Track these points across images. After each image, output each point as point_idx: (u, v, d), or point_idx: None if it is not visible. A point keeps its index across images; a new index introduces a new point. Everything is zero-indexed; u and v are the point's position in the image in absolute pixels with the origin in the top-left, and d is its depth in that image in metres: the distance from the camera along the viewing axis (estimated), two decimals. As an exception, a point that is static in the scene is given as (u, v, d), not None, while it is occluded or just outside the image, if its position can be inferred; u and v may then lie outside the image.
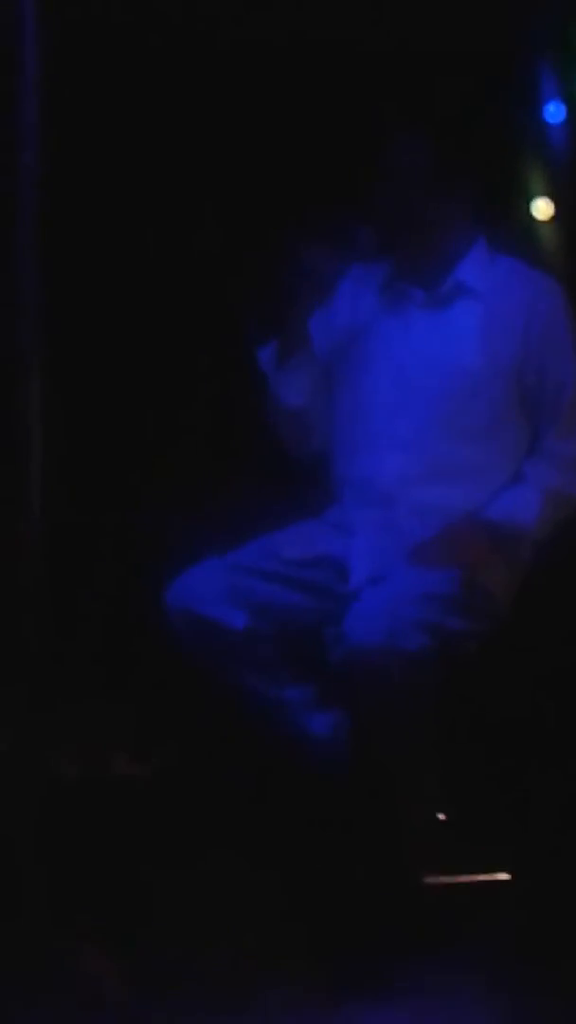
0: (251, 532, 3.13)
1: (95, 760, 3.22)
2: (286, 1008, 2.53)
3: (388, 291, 3.14)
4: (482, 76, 3.57)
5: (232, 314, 3.51)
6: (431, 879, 2.90)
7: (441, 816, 2.93)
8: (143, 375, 3.62)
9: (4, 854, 2.63)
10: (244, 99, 3.62)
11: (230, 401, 3.39)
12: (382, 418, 3.06)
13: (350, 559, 3.03)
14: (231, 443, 3.55)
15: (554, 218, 3.68)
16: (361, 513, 3.08)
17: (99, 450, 3.58)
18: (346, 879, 2.86)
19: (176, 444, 3.61)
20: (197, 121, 3.63)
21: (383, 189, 3.07)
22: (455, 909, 2.86)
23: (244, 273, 3.53)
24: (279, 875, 2.85)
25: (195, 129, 3.64)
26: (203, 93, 3.63)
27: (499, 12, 3.55)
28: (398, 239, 3.08)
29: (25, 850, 2.65)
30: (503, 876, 2.93)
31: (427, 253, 3.09)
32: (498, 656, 2.99)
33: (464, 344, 3.05)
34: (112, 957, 2.64)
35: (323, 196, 3.52)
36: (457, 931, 2.75)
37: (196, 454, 3.61)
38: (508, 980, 2.60)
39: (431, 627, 2.84)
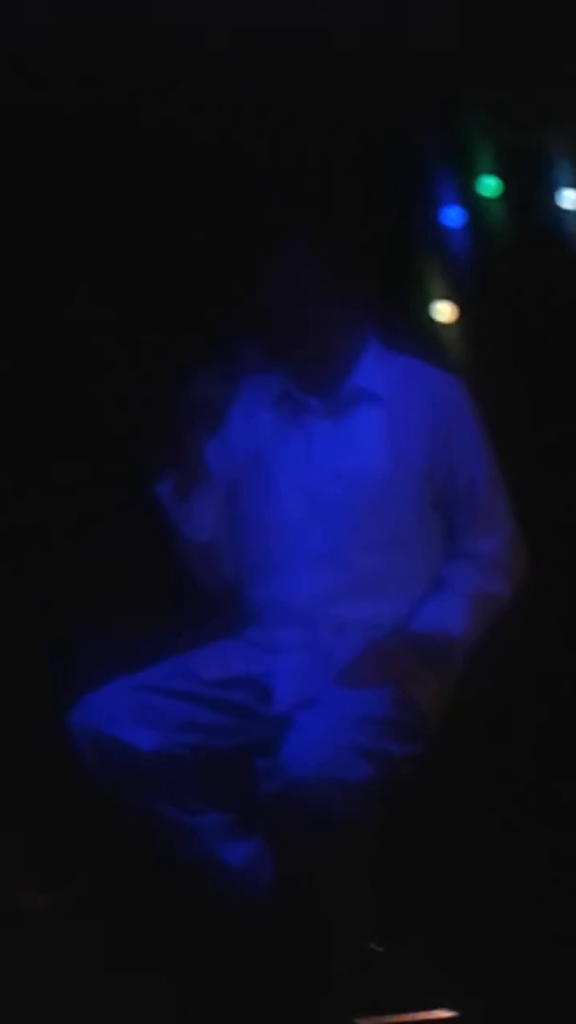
0: (163, 653, 2.97)
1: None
2: None
3: (284, 403, 3.03)
4: (366, 177, 3.51)
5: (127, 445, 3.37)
6: (363, 1020, 2.73)
7: (376, 948, 2.75)
8: (50, 498, 3.49)
9: None
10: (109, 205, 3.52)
11: (139, 521, 3.22)
12: (293, 535, 2.94)
13: (273, 680, 2.89)
14: (142, 562, 3.37)
15: (449, 315, 3.64)
16: (281, 632, 2.94)
17: (6, 565, 3.41)
18: (270, 1021, 2.69)
19: (87, 562, 3.45)
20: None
21: (266, 298, 2.96)
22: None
23: (129, 405, 3.42)
24: (193, 1015, 2.71)
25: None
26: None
27: (391, 114, 3.51)
28: (288, 349, 2.98)
29: None
30: (442, 1014, 2.75)
31: (320, 360, 2.99)
32: (434, 778, 2.84)
33: (369, 451, 2.95)
34: None
35: (200, 312, 3.43)
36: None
37: (107, 573, 3.44)
38: None
39: (370, 753, 2.69)
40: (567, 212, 3.62)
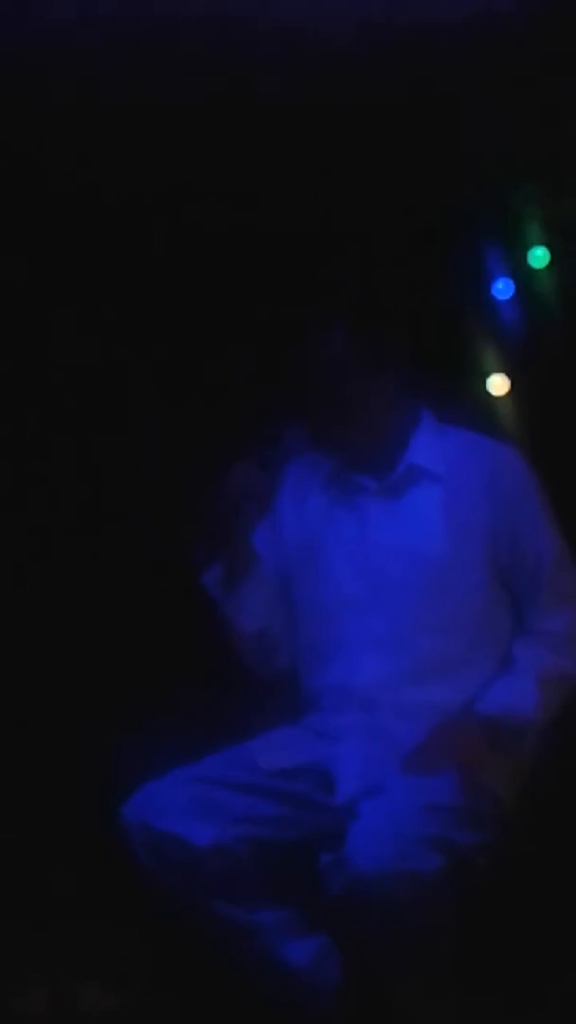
0: (219, 742, 2.87)
1: (61, 994, 2.90)
2: None
3: (337, 484, 2.94)
4: (401, 255, 3.45)
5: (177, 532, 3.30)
6: None
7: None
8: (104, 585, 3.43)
9: None
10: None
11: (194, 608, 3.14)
12: (351, 618, 2.84)
13: (335, 768, 2.76)
14: (197, 649, 3.29)
15: (502, 388, 3.56)
16: (342, 718, 2.82)
17: (57, 652, 3.35)
18: None
19: (141, 650, 3.36)
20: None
21: (307, 379, 2.86)
22: None
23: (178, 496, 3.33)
24: None
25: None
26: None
27: (428, 190, 3.46)
28: (332, 430, 2.88)
29: None
30: None
31: (370, 439, 2.89)
32: (511, 870, 2.72)
33: (428, 530, 2.84)
34: None
35: (240, 394, 3.37)
36: None
37: (160, 662, 3.35)
38: None
39: (440, 843, 2.56)
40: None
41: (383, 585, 2.82)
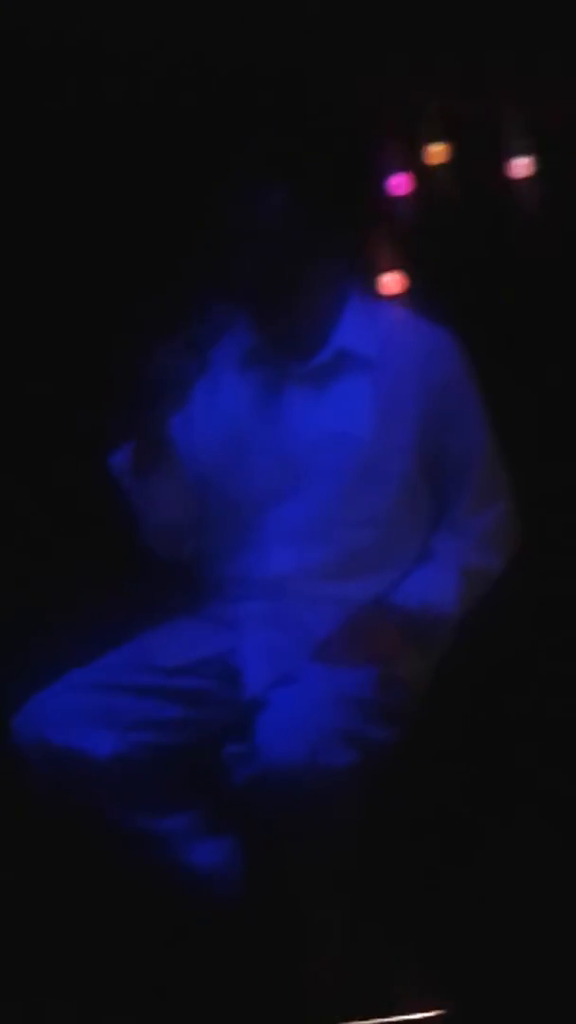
0: (113, 639, 2.73)
1: None
2: None
3: (257, 368, 2.78)
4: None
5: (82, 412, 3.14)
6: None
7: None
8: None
9: None
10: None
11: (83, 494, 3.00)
12: (267, 509, 2.71)
13: (241, 660, 2.65)
14: (82, 535, 3.13)
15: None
16: (247, 607, 2.71)
17: None
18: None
19: (26, 542, 3.19)
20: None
21: (241, 252, 2.69)
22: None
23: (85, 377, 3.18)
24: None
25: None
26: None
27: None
28: (263, 308, 2.72)
29: None
30: (428, 1014, 2.56)
31: (298, 319, 2.73)
32: (415, 763, 2.65)
33: (354, 418, 2.70)
34: None
35: (161, 270, 3.21)
36: None
37: (44, 552, 3.19)
38: None
39: (353, 737, 2.47)
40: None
41: (303, 474, 2.70)
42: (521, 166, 3.49)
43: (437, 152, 3.51)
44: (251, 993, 2.56)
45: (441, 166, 3.50)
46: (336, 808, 2.46)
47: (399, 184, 3.51)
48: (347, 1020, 2.55)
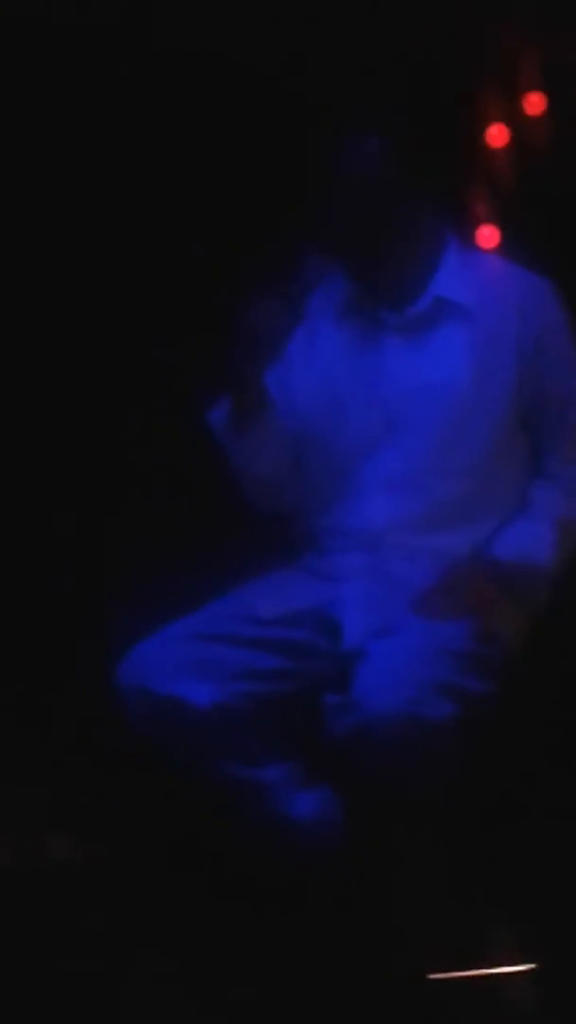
0: (214, 590, 2.76)
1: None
2: None
3: (354, 317, 2.78)
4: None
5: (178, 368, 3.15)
6: (438, 975, 2.55)
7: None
8: (89, 425, 3.26)
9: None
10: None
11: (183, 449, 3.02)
12: (363, 459, 2.71)
13: (339, 611, 2.67)
14: (183, 490, 3.16)
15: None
16: (345, 560, 2.72)
17: (36, 501, 3.19)
18: (339, 977, 2.53)
19: (127, 496, 3.23)
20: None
21: (337, 202, 2.69)
22: (466, 1010, 2.53)
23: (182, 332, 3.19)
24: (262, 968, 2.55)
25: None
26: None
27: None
28: (360, 258, 2.72)
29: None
30: (518, 968, 2.58)
31: (395, 268, 2.72)
32: (517, 720, 2.66)
33: (452, 367, 2.70)
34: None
35: (256, 223, 3.21)
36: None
37: (148, 507, 3.23)
38: None
39: (452, 689, 2.48)
40: None
41: (400, 425, 2.70)
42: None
43: (535, 102, 3.49)
44: (345, 944, 2.58)
45: (538, 116, 3.48)
46: (434, 761, 2.47)
47: (497, 135, 3.50)
48: (440, 972, 2.57)
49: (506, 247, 2.95)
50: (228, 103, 3.30)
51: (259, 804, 2.65)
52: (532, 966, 2.59)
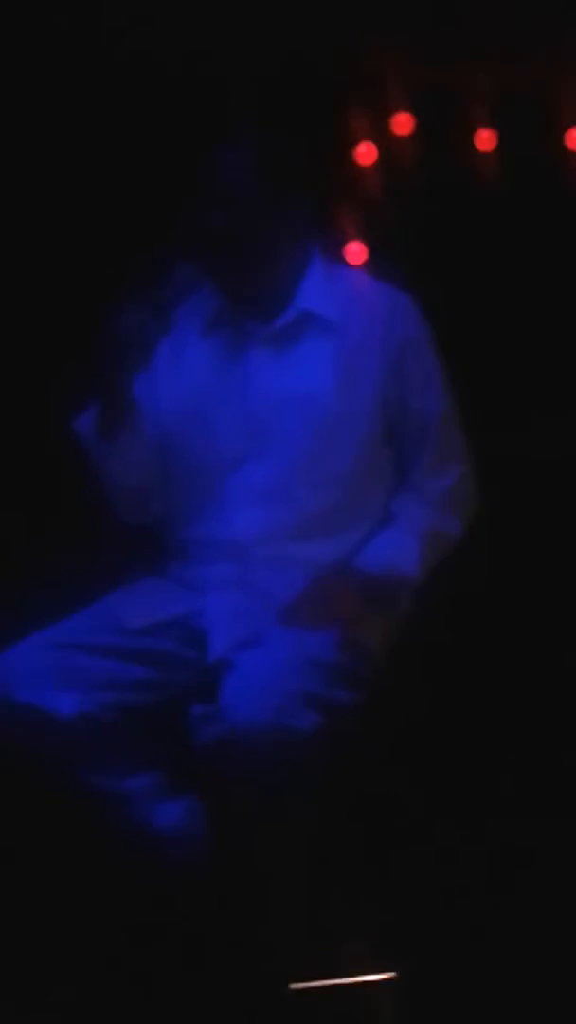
0: (78, 599, 2.75)
1: None
2: None
3: (220, 328, 2.79)
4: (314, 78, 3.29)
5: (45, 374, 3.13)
6: (299, 984, 2.56)
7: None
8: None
9: None
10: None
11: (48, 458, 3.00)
12: (230, 470, 2.73)
13: (206, 623, 2.67)
14: (49, 498, 3.14)
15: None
16: (212, 569, 2.72)
17: None
18: (203, 987, 2.54)
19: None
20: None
21: (205, 211, 2.70)
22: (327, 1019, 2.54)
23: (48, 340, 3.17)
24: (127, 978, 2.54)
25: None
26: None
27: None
28: (226, 268, 2.73)
29: None
30: (377, 977, 2.60)
31: (261, 280, 2.74)
32: (378, 728, 2.68)
33: (316, 379, 2.73)
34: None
35: (126, 229, 3.20)
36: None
37: (11, 514, 3.20)
38: None
39: (317, 700, 2.50)
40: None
41: (265, 436, 2.72)
42: (485, 138, 3.53)
43: (402, 122, 3.54)
44: (209, 954, 2.58)
45: (406, 136, 3.52)
46: (299, 771, 2.48)
47: (365, 153, 3.54)
48: (301, 981, 2.58)
49: (371, 262, 2.96)
50: (104, 107, 3.30)
51: (123, 814, 2.64)
52: (391, 975, 2.61)
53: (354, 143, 3.48)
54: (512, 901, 2.75)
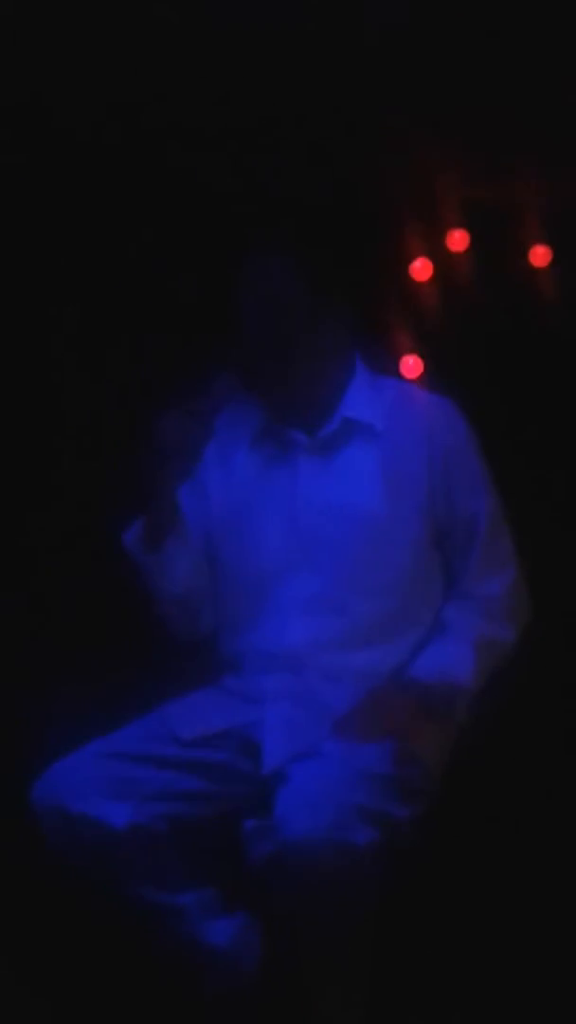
0: (133, 710, 2.73)
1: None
2: None
3: (267, 440, 2.80)
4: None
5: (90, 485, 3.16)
6: None
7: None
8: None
9: None
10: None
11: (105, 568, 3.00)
12: (280, 580, 2.71)
13: (260, 733, 2.64)
14: (104, 612, 3.14)
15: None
16: (266, 680, 2.70)
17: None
18: None
19: (44, 615, 3.20)
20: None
21: (247, 322, 2.72)
22: None
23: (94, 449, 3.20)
24: None
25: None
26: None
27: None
28: (269, 380, 2.74)
29: None
30: None
31: (306, 389, 2.75)
32: (441, 845, 2.64)
33: (363, 488, 2.73)
34: None
35: (169, 342, 3.24)
36: None
37: (66, 624, 3.19)
38: None
39: (374, 815, 2.44)
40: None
41: (315, 545, 2.71)
42: (540, 254, 3.56)
43: (457, 238, 3.57)
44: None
45: (461, 252, 3.56)
46: (354, 887, 2.43)
47: (421, 269, 3.57)
48: None
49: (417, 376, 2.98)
50: (152, 218, 3.34)
51: (175, 929, 2.59)
52: None
53: (410, 259, 3.53)
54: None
